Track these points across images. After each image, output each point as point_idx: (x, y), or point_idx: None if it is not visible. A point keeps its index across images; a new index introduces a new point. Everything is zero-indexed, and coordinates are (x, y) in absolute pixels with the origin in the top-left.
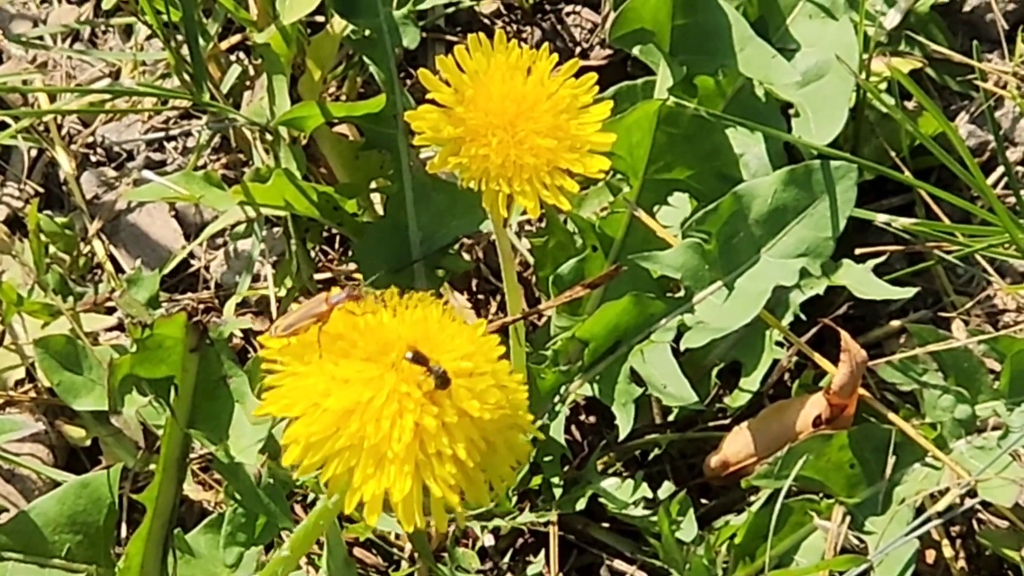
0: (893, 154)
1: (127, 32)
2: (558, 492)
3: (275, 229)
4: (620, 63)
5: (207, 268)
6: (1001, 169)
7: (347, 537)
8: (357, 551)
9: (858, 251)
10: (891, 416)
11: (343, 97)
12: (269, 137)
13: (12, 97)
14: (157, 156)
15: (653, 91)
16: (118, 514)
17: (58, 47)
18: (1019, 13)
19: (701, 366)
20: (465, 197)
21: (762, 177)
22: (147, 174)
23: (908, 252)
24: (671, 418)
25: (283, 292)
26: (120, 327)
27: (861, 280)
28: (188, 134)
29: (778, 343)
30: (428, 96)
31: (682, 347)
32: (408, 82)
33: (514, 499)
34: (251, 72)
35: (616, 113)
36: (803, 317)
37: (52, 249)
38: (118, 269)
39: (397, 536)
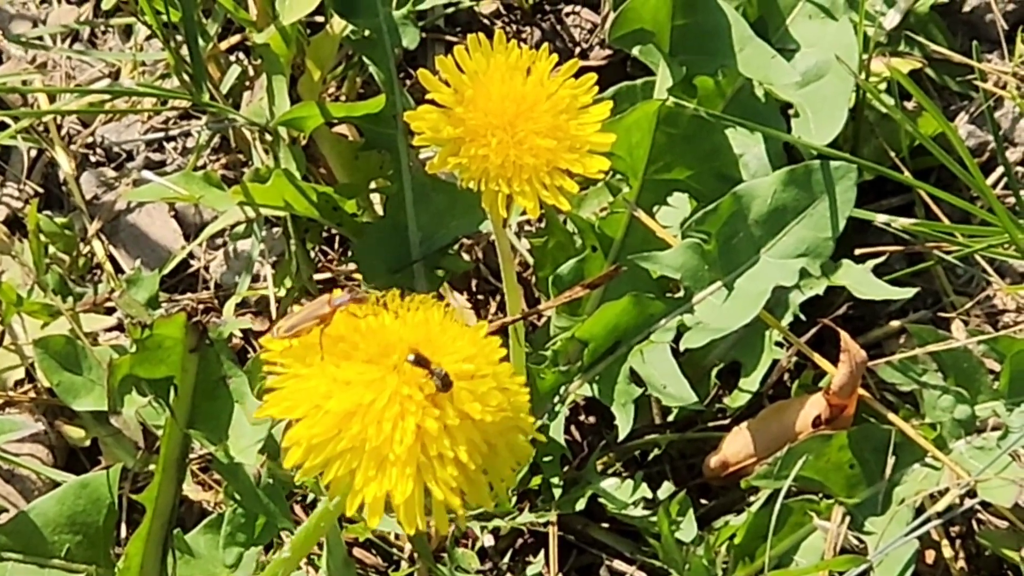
0: (893, 154)
1: (127, 32)
2: (558, 492)
3: (275, 229)
4: (620, 63)
5: (207, 268)
6: (1001, 169)
7: (347, 537)
8: (357, 551)
9: (858, 251)
10: (891, 416)
11: (343, 97)
12: (269, 137)
13: (12, 97)
14: (157, 156)
15: (653, 91)
16: (118, 514)
17: (58, 47)
18: (1019, 13)
19: (701, 366)
20: (465, 197)
21: (762, 177)
22: (147, 174)
23: (908, 252)
24: (671, 418)
25: (283, 292)
26: (120, 327)
27: (861, 280)
28: (188, 134)
29: (778, 343)
30: (428, 96)
31: (682, 347)
32: (408, 82)
33: (514, 499)
34: (251, 72)
35: (616, 113)
36: (803, 317)
37: (52, 249)
38: (118, 269)
39: (397, 536)
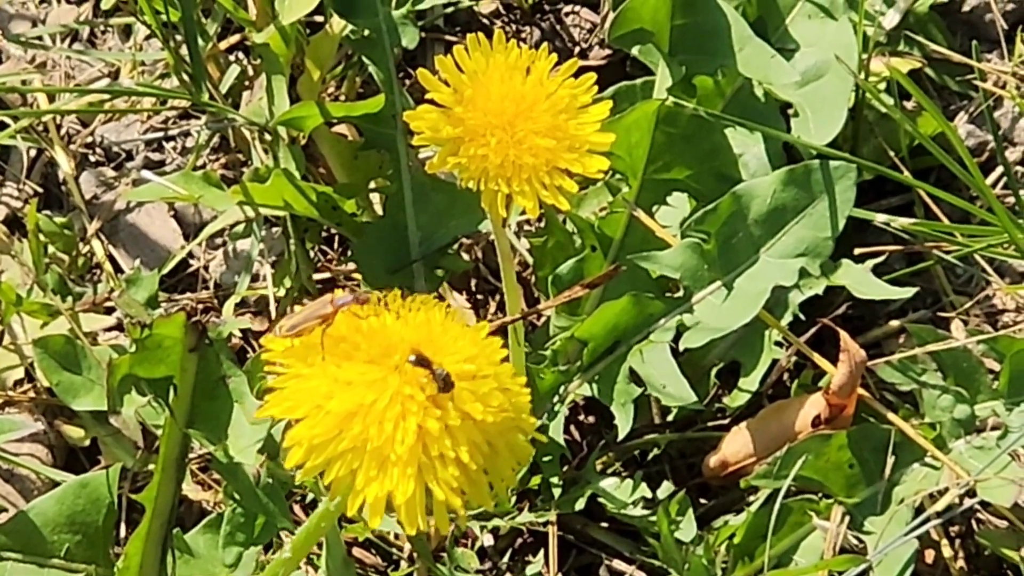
0: (892, 154)
1: (126, 32)
2: (557, 492)
3: (274, 229)
4: (619, 63)
5: (206, 268)
6: (1000, 169)
7: (346, 537)
8: (356, 551)
9: (857, 251)
10: (890, 416)
11: (342, 97)
12: (268, 137)
13: (11, 97)
14: (156, 156)
15: (652, 91)
16: (117, 514)
17: (57, 47)
18: (1018, 13)
19: (700, 366)
20: (464, 197)
21: (761, 177)
22: (146, 174)
23: (907, 252)
24: (670, 418)
25: (282, 292)
26: (119, 327)
27: (860, 280)
28: (187, 134)
29: (777, 343)
30: (427, 96)
31: (681, 347)
32: (407, 82)
33: (513, 499)
34: (250, 72)
35: (615, 113)
36: (802, 317)
37: (51, 249)
38: (117, 269)
39: (396, 536)
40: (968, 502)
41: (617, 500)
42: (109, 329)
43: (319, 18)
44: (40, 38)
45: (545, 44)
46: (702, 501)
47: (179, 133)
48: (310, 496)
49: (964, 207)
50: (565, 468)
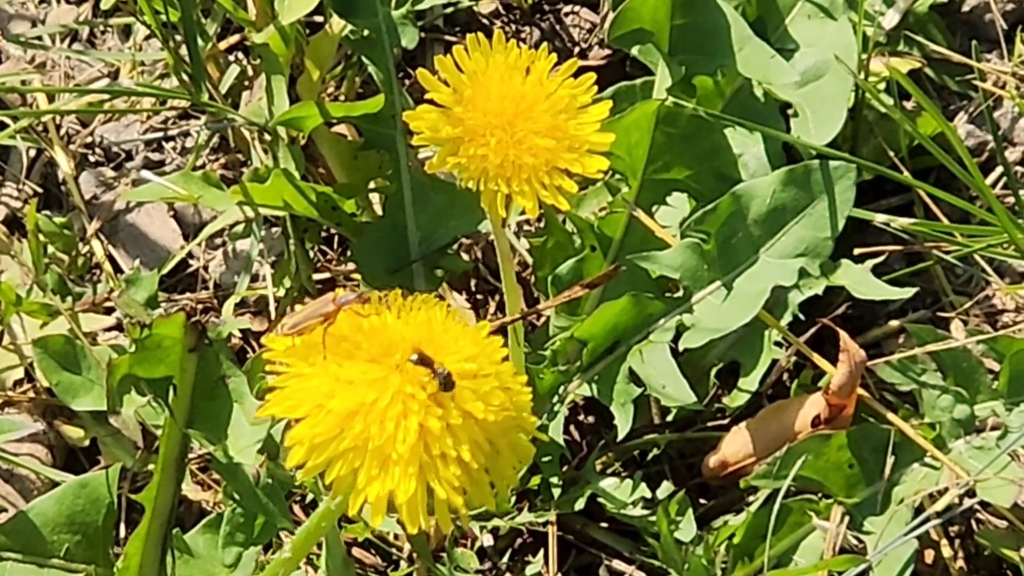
0: (892, 154)
1: (126, 32)
2: (557, 492)
3: (274, 229)
4: (619, 63)
5: (206, 268)
6: (1000, 169)
7: (346, 537)
8: (356, 551)
9: (857, 251)
10: (890, 416)
11: (342, 97)
12: (268, 137)
13: (11, 97)
14: (156, 156)
15: (652, 91)
16: (117, 514)
17: (57, 47)
18: (1018, 13)
19: (700, 366)
20: (464, 197)
21: (761, 177)
22: (146, 174)
23: (907, 252)
24: (670, 418)
25: (282, 292)
26: (119, 327)
27: (860, 280)
28: (187, 134)
29: (777, 343)
30: (427, 96)
31: (681, 347)
32: (407, 82)
33: (513, 499)
34: (250, 72)
35: (615, 113)
36: (802, 317)
37: (51, 249)
38: (117, 269)
39: (396, 536)
40: (968, 502)
41: (617, 500)
42: (109, 329)
43: (319, 18)
44: (40, 38)
45: (545, 44)
46: (702, 501)
47: (179, 133)
48: (310, 496)
49: (964, 207)
50: (565, 468)
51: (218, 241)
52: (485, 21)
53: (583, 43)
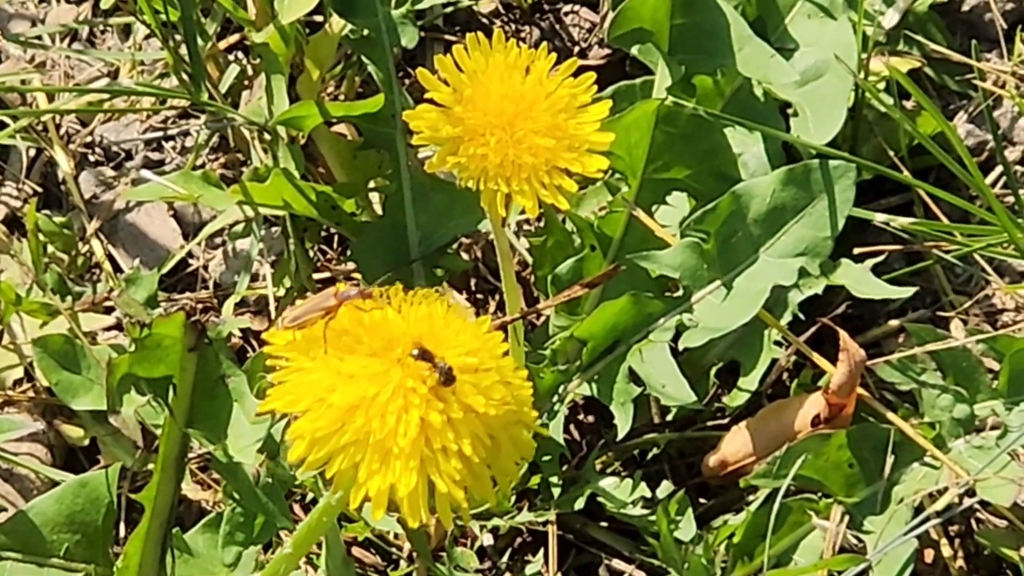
0: (892, 153)
1: (125, 32)
2: (556, 491)
3: (273, 229)
4: (618, 62)
5: (205, 267)
6: (1000, 168)
7: (346, 536)
8: (356, 550)
9: (857, 250)
10: (890, 415)
11: (341, 96)
12: (267, 137)
13: (11, 97)
14: (155, 155)
15: (652, 90)
16: (116, 513)
17: (56, 47)
18: (1018, 13)
19: (699, 365)
20: (463, 196)
21: (761, 176)
22: (145, 173)
23: (907, 251)
24: (669, 417)
25: (282, 292)
26: (118, 326)
27: (860, 279)
28: (186, 133)
29: (776, 342)
30: (426, 95)
31: (680, 346)
32: (406, 81)
33: (513, 499)
34: (249, 72)
35: (615, 112)
36: (802, 316)
37: (50, 248)
38: (116, 268)
39: (396, 535)
40: (967, 501)
41: (616, 499)
42: (108, 328)
43: (318, 17)
44: (39, 38)
45: (544, 43)
46: (701, 500)
47: (178, 133)
48: (310, 495)
49: (963, 206)
50: (564, 467)
51: (218, 240)
52: (485, 20)
53: (583, 42)
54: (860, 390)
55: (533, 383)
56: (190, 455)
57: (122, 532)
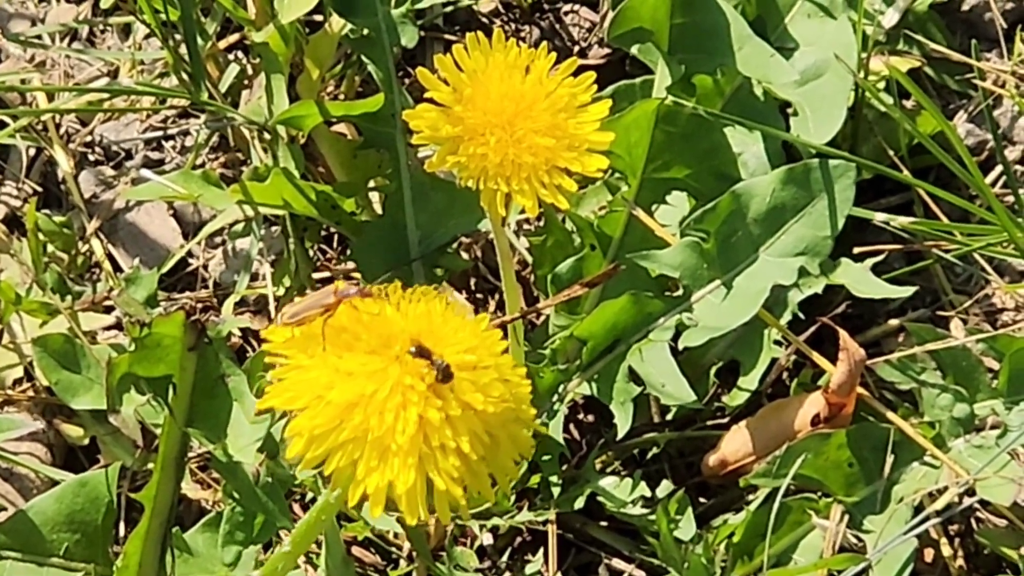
0: (891, 153)
1: (125, 31)
2: (556, 491)
3: (273, 228)
4: (618, 62)
5: (205, 267)
6: (999, 168)
7: (345, 536)
8: (355, 550)
9: (856, 250)
10: (889, 415)
11: (341, 96)
12: (267, 136)
13: (10, 96)
14: (155, 155)
15: (651, 90)
16: (116, 513)
17: (56, 46)
18: (1017, 12)
19: (699, 365)
20: (463, 196)
21: (760, 176)
22: (145, 173)
23: (906, 251)
24: (669, 417)
25: (281, 291)
26: (118, 326)
27: (859, 279)
28: (186, 133)
29: (776, 342)
30: (426, 95)
31: (680, 346)
32: (406, 81)
33: (512, 498)
34: (249, 71)
35: (614, 112)
36: (801, 316)
37: (50, 248)
38: (116, 268)
39: (395, 535)
40: (967, 501)
41: (616, 499)
42: (108, 328)
43: (318, 17)
44: (39, 37)
45: (544, 43)
46: (701, 500)
47: (178, 132)
48: (309, 495)
49: (963, 206)
50: (564, 467)
51: (218, 240)
52: (485, 20)
53: (583, 42)
54: (860, 389)
55: (533, 382)
56: (190, 454)
57: (122, 531)
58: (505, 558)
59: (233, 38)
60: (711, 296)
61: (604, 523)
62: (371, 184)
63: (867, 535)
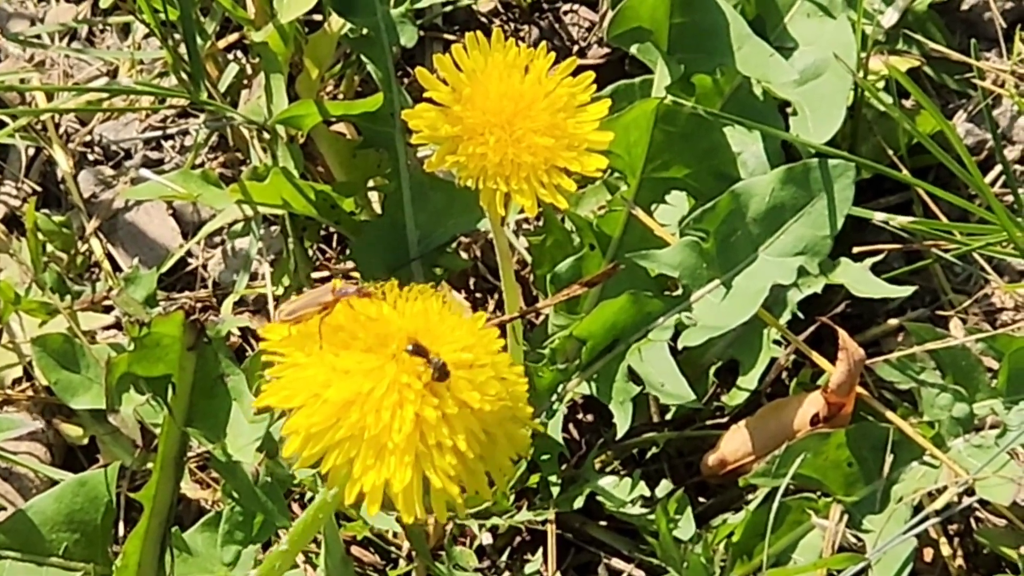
0: (891, 152)
1: (125, 31)
2: (556, 490)
3: (273, 228)
4: (618, 62)
5: (205, 267)
6: (999, 167)
7: (345, 535)
8: (355, 549)
9: (856, 249)
10: (889, 414)
11: (340, 96)
12: (267, 136)
13: (10, 96)
14: (155, 155)
15: (651, 90)
16: (115, 512)
17: (56, 46)
18: (1017, 11)
19: (699, 364)
20: (463, 195)
21: (760, 175)
22: (145, 172)
23: (906, 250)
24: (669, 416)
25: (281, 291)
26: (117, 325)
27: (859, 278)
28: (186, 133)
29: (776, 341)
30: (426, 95)
31: (680, 345)
32: (406, 81)
33: (512, 497)
34: (249, 71)
35: (614, 111)
36: (801, 315)
37: (50, 248)
38: (116, 267)
39: (395, 534)
40: (967, 500)
41: (616, 498)
42: (107, 327)
43: (318, 16)
44: (39, 37)
45: (543, 43)
46: (700, 499)
47: (178, 132)
48: (309, 494)
49: (963, 205)
50: (563, 466)
51: (217, 239)
52: (484, 19)
53: (582, 42)
54: (859, 389)
55: (532, 382)
56: (189, 454)
57: (121, 531)
58: (504, 558)
59: (232, 38)
60: (710, 296)
61: (603, 523)
62: (370, 184)
63: (866, 535)
